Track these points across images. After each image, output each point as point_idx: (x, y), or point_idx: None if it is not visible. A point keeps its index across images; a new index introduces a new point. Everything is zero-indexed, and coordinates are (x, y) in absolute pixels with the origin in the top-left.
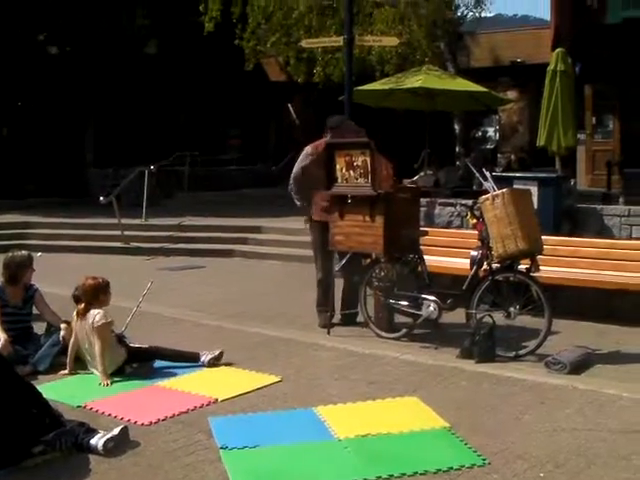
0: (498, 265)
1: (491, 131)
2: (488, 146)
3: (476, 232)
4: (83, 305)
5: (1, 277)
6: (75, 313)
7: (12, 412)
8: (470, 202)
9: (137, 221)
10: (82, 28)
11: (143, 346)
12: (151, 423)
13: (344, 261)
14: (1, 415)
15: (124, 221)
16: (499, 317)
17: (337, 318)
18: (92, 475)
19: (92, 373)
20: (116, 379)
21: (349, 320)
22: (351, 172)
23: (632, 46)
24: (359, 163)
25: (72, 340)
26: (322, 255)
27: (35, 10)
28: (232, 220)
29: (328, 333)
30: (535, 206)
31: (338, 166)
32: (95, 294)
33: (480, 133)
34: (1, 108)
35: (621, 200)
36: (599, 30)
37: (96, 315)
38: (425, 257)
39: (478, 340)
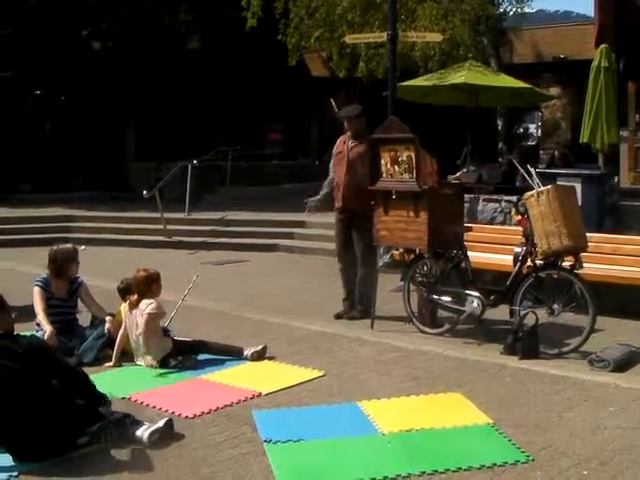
0: (542, 262)
1: (533, 127)
2: (530, 142)
3: (520, 228)
4: (135, 296)
5: (47, 270)
6: (127, 304)
7: (58, 404)
8: (515, 198)
9: (180, 215)
10: (125, 24)
11: (187, 340)
12: (195, 416)
13: (387, 256)
14: (47, 407)
15: (167, 215)
16: (542, 314)
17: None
18: (137, 467)
19: (137, 365)
20: (161, 372)
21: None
22: (396, 167)
23: None
24: (404, 158)
25: (121, 332)
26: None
27: (79, 6)
28: (275, 214)
29: (371, 328)
30: (578, 203)
31: (383, 161)
32: (148, 285)
33: (522, 129)
34: (45, 103)
35: None
36: None
37: (149, 304)
38: (468, 253)
39: (521, 337)
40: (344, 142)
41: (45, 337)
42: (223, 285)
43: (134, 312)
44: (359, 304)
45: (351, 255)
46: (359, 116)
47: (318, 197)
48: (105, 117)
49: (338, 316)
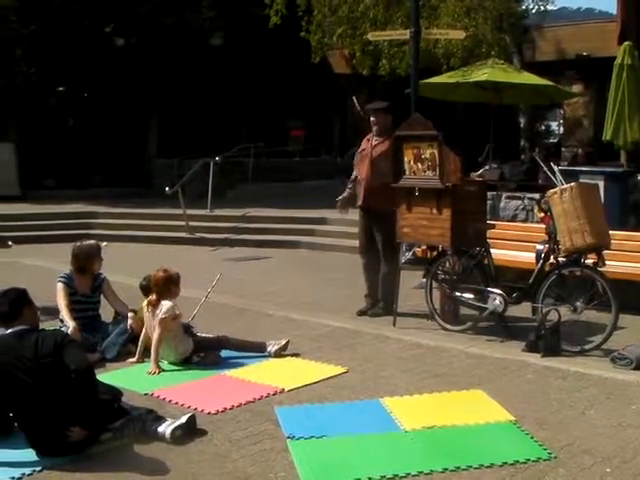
0: (564, 259)
1: (554, 125)
2: (551, 140)
3: (542, 226)
4: (155, 296)
5: (70, 266)
6: (146, 303)
7: (86, 392)
8: (538, 196)
9: (202, 212)
10: (148, 20)
11: (210, 336)
12: (218, 412)
13: (409, 253)
14: (70, 402)
15: (189, 212)
16: (565, 311)
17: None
18: (159, 463)
19: (160, 361)
20: (183, 368)
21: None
22: (419, 164)
23: None
24: (427, 156)
25: (144, 330)
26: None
27: (102, 3)
28: (297, 211)
29: (394, 325)
30: (601, 201)
31: (406, 158)
32: (166, 286)
33: (543, 127)
34: (67, 99)
35: None
36: None
37: (163, 307)
38: (491, 250)
39: (544, 334)
40: (368, 140)
41: (69, 333)
42: (245, 282)
43: (153, 312)
44: (381, 301)
45: (373, 251)
46: (386, 111)
47: (345, 195)
48: (128, 114)
49: (361, 312)
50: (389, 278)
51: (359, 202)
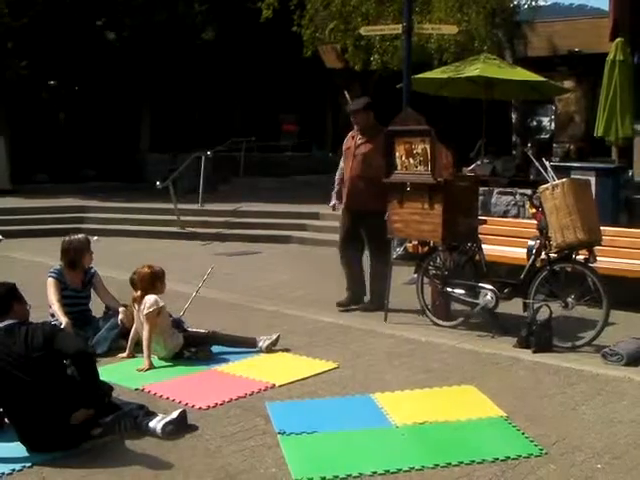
0: (556, 255)
1: (546, 121)
2: (543, 136)
3: (534, 221)
4: (139, 293)
5: (60, 261)
6: (132, 300)
7: (71, 395)
8: (529, 191)
9: (193, 206)
10: (139, 14)
11: (201, 331)
12: (209, 407)
13: (400, 249)
14: (61, 398)
15: (180, 206)
16: (556, 307)
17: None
18: (150, 458)
19: (152, 357)
20: (174, 363)
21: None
22: (411, 160)
23: None
24: (419, 151)
25: (134, 325)
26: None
27: None
28: (289, 206)
29: (385, 320)
30: (593, 196)
31: (398, 154)
32: (151, 282)
33: (535, 122)
34: (59, 93)
35: None
36: None
37: (147, 302)
38: (482, 246)
39: (535, 330)
40: (353, 137)
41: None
42: (236, 276)
43: (139, 308)
44: (370, 301)
45: (352, 248)
46: (365, 109)
47: (334, 194)
48: (120, 108)
49: (340, 304)
50: (381, 276)
51: (343, 201)
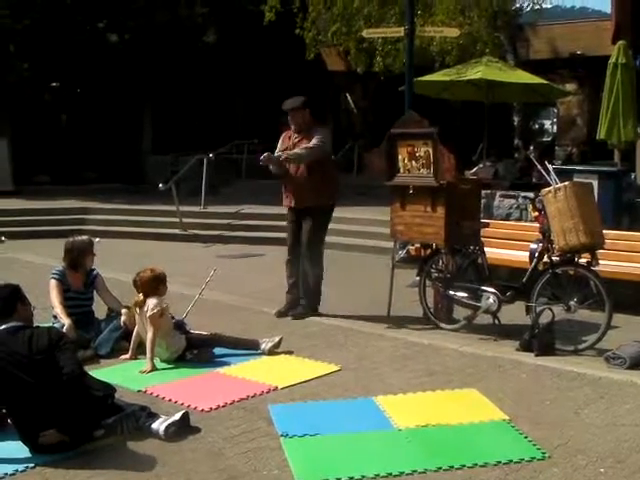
0: (558, 258)
1: (548, 124)
2: (545, 138)
3: (536, 225)
4: (141, 296)
5: (63, 262)
6: (133, 304)
7: (74, 396)
8: (532, 194)
9: (195, 208)
10: (141, 16)
11: (203, 333)
12: (211, 409)
13: (403, 252)
14: (64, 399)
15: (182, 208)
16: (559, 310)
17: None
18: (153, 459)
19: (154, 359)
20: (176, 365)
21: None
22: (413, 162)
23: None
24: (421, 154)
25: (136, 328)
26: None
27: None
28: None
29: (387, 323)
30: (595, 200)
31: (400, 156)
32: (153, 285)
33: (537, 125)
34: (61, 95)
35: None
36: None
37: (150, 304)
38: (485, 249)
39: (538, 333)
40: (289, 137)
41: (64, 330)
42: (239, 279)
43: (141, 311)
44: (302, 299)
45: (299, 249)
46: (301, 108)
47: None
48: (121, 110)
49: (280, 314)
50: (313, 279)
51: (285, 201)
